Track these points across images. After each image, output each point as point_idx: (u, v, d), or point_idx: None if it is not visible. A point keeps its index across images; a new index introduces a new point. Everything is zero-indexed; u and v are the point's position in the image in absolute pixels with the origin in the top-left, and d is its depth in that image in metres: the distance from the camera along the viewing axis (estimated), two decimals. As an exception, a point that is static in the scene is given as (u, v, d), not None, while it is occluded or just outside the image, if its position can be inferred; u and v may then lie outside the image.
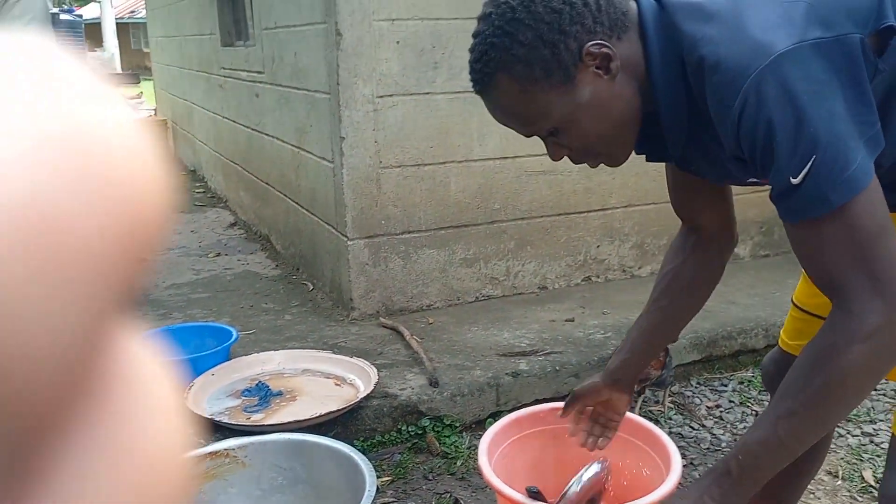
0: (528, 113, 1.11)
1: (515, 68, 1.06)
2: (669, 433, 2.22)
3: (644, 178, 3.43)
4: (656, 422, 2.45)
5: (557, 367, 2.62)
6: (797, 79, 0.95)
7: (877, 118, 0.98)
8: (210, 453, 1.69)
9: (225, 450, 1.70)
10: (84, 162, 0.14)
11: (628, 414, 1.87)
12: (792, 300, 1.56)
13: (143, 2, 10.96)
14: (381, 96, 2.95)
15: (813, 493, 2.13)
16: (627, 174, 3.39)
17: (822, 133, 0.94)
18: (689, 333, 2.74)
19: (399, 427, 2.39)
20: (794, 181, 0.96)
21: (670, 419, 2.56)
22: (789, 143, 0.96)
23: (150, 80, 9.16)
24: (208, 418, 2.25)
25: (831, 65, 0.95)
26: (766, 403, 2.63)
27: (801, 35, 0.96)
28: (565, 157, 1.18)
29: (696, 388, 2.73)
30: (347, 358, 2.62)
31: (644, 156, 1.25)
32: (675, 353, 2.54)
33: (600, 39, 1.05)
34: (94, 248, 0.14)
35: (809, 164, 0.94)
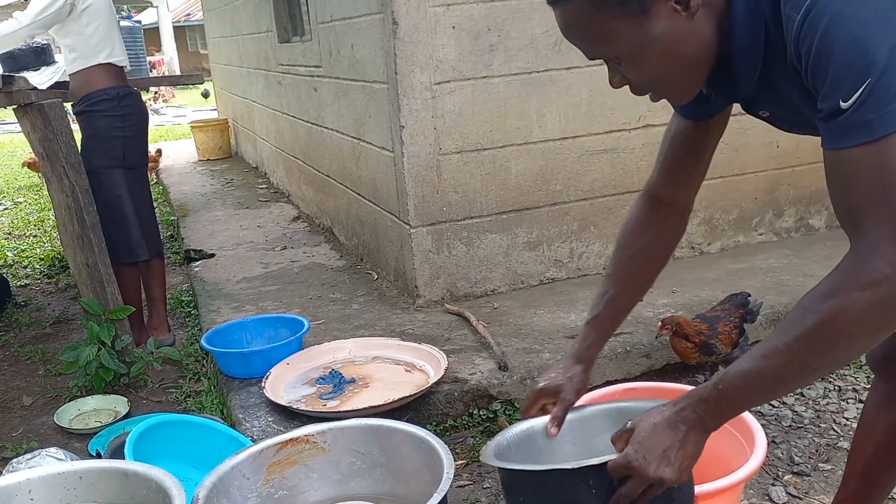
0: (595, 36, 1.05)
1: None
2: (750, 411, 2.17)
3: (709, 152, 3.34)
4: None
5: (628, 348, 2.59)
6: None
7: None
8: (291, 440, 1.73)
9: (305, 436, 1.73)
10: None
11: (684, 386, 1.84)
12: None
13: (199, 4, 11.19)
14: (439, 83, 2.94)
15: None
16: (692, 149, 3.31)
17: (880, 57, 0.87)
18: (765, 309, 2.67)
19: (470, 411, 2.40)
20: (844, 105, 0.90)
21: (747, 397, 2.51)
22: (844, 62, 0.89)
23: (209, 80, 9.35)
24: (286, 406, 2.30)
25: None
26: (849, 378, 2.55)
27: None
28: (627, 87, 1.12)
29: (772, 364, 2.66)
30: (416, 344, 2.64)
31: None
32: (752, 331, 2.48)
33: None
34: None
35: (862, 88, 0.88)
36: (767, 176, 3.49)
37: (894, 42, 0.87)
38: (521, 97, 3.04)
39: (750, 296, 2.53)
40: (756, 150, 3.43)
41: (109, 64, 3.06)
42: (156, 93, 18.22)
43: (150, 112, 4.70)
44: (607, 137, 3.21)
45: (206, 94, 17.96)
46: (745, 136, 3.38)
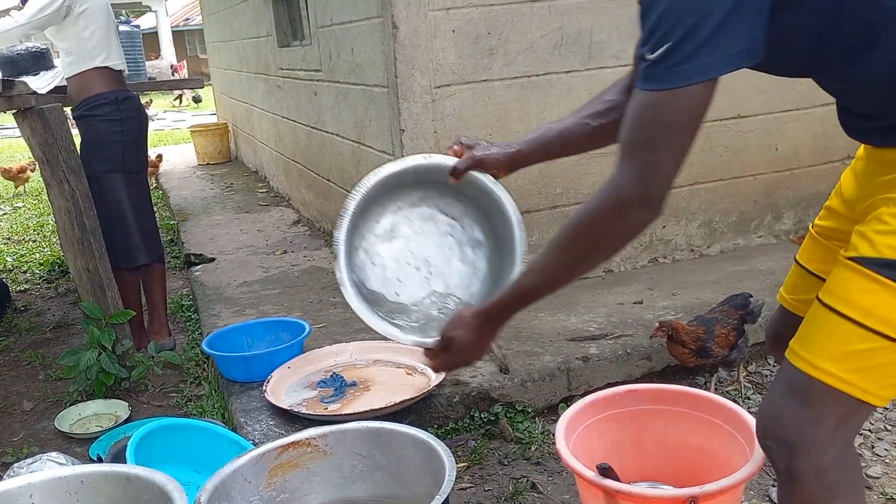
0: None
1: None
2: (749, 412, 2.18)
3: (710, 154, 3.35)
4: (734, 401, 2.40)
5: (629, 350, 2.59)
6: None
7: (761, 35, 1.03)
8: (292, 443, 1.73)
9: (306, 439, 1.74)
10: None
11: (707, 394, 1.84)
12: (795, 258, 1.56)
13: (198, 9, 11.21)
14: (439, 86, 2.95)
15: (903, 471, 2.06)
16: (692, 151, 3.31)
17: (685, 25, 1.00)
18: (765, 312, 2.67)
19: (472, 414, 2.40)
20: (649, 56, 1.04)
21: (748, 398, 2.51)
22: (658, 21, 1.03)
23: (209, 84, 9.36)
24: (287, 410, 2.30)
25: None
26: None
27: None
28: None
29: (773, 366, 2.67)
30: (417, 347, 2.63)
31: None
32: (752, 332, 2.49)
33: None
34: None
35: (664, 47, 1.02)
36: (766, 179, 3.50)
37: (699, 16, 0.99)
38: (520, 100, 3.05)
39: (751, 297, 2.53)
40: (755, 153, 3.43)
41: (107, 68, 3.05)
42: (179, 96, 18.05)
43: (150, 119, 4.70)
44: (607, 140, 3.21)
45: (197, 99, 17.93)
46: (745, 139, 3.38)
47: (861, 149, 1.29)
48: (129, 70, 3.30)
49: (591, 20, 3.04)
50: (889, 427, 2.28)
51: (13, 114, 2.98)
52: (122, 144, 3.06)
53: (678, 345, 2.37)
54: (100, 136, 3.03)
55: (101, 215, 2.95)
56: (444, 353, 1.42)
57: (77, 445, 2.55)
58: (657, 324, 2.39)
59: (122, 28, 6.08)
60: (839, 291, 1.14)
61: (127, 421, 2.63)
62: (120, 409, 2.71)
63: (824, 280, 1.22)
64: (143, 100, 14.23)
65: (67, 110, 3.21)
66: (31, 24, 2.98)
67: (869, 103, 1.17)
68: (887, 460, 2.12)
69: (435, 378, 2.41)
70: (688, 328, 2.38)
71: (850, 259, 1.13)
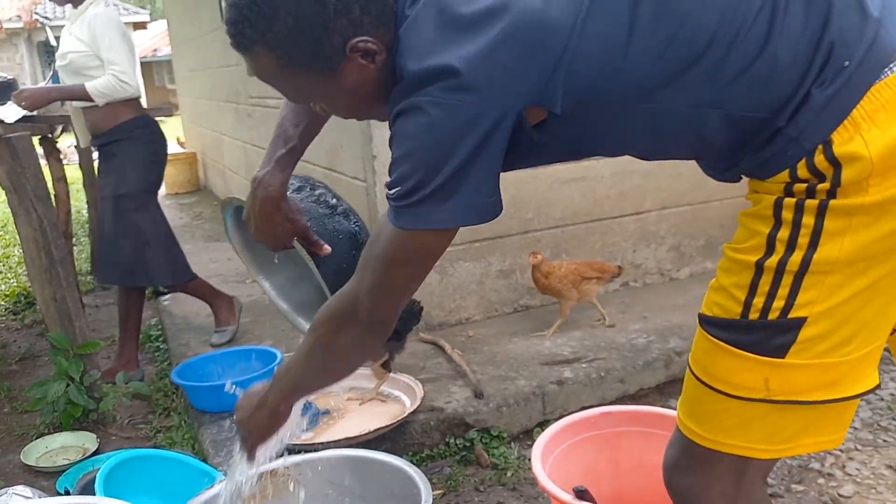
0: (286, 86, 1.14)
1: (275, 49, 1.06)
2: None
3: (678, 179, 3.41)
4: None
5: (602, 373, 2.60)
6: (421, 123, 1.01)
7: (495, 189, 1.07)
8: (264, 473, 1.70)
9: (279, 469, 1.72)
10: None
11: (660, 410, 1.86)
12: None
13: (166, 40, 11.19)
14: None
15: (874, 489, 2.09)
16: (661, 176, 3.38)
17: (416, 174, 1.01)
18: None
19: (447, 440, 2.39)
20: (388, 191, 1.05)
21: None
22: (397, 165, 1.04)
23: (178, 114, 9.33)
24: (259, 439, 2.27)
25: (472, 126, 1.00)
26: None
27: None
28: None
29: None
30: (392, 374, 2.62)
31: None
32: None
33: (366, 34, 1.06)
34: None
35: (397, 188, 1.03)
36: (731, 203, 3.56)
37: (430, 167, 1.01)
38: (491, 127, 3.08)
39: None
40: (722, 178, 3.49)
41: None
42: None
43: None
44: (577, 166, 3.26)
45: None
46: (711, 163, 3.45)
47: None
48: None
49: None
50: (860, 447, 2.31)
51: (-21, 142, 2.94)
52: (157, 165, 3.21)
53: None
54: (140, 157, 3.13)
55: (138, 236, 3.09)
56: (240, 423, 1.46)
57: (44, 479, 2.48)
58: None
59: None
60: (694, 352, 1.15)
61: (95, 453, 2.57)
62: (88, 441, 2.65)
63: None
64: None
65: (70, 139, 3.18)
66: (134, 63, 3.07)
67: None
68: (858, 479, 2.15)
69: (410, 405, 2.40)
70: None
71: (699, 316, 1.14)
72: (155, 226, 3.20)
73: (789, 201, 1.03)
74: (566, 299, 2.93)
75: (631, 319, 3.06)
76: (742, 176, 1.15)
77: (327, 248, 1.58)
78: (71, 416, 2.71)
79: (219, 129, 6.47)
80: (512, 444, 2.44)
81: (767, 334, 1.04)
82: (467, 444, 2.38)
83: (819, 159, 0.99)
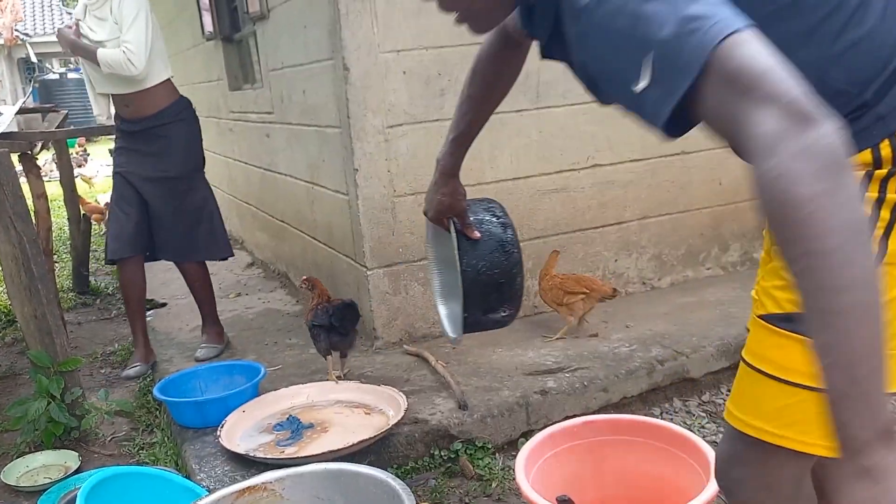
0: None
1: None
2: (705, 439, 2.21)
3: (658, 189, 3.45)
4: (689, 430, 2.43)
5: (585, 383, 2.61)
6: None
7: None
8: (248, 488, 1.70)
9: (263, 483, 1.71)
10: None
11: (663, 423, 1.87)
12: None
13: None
14: (391, 126, 2.99)
15: None
16: (640, 187, 3.41)
17: (650, 26, 0.82)
18: (715, 341, 2.74)
19: (431, 452, 2.39)
20: (637, 88, 0.84)
21: (703, 427, 2.55)
22: (611, 55, 0.88)
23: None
24: (243, 455, 2.26)
25: None
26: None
27: None
28: None
29: (727, 395, 2.72)
30: (376, 387, 2.62)
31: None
32: (703, 361, 2.54)
33: None
34: None
35: (645, 62, 0.83)
36: (712, 212, 3.60)
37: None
38: (472, 139, 3.10)
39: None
40: (700, 187, 3.54)
41: (169, 79, 3.24)
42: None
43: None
44: (558, 177, 3.28)
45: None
46: (689, 174, 3.49)
47: None
48: (80, 118, 3.30)
49: (537, 62, 3.10)
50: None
51: (-43, 160, 2.92)
52: (200, 143, 3.33)
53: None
54: (187, 139, 3.26)
55: (193, 214, 3.23)
56: None
57: (25, 499, 2.45)
58: (304, 277, 2.91)
59: (72, 76, 6.00)
60: (756, 349, 1.16)
61: (77, 471, 2.54)
62: (70, 459, 2.63)
63: None
64: (80, 148, 13.73)
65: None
66: (148, 48, 3.07)
67: None
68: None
69: (394, 417, 2.40)
70: (324, 289, 2.85)
71: (760, 318, 1.16)
72: (206, 202, 3.31)
73: (870, 196, 1.02)
74: (556, 310, 2.97)
75: (613, 329, 3.08)
76: None
77: (476, 234, 1.63)
78: (52, 434, 2.68)
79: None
80: (496, 454, 2.44)
81: None
82: (452, 456, 2.38)
83: None
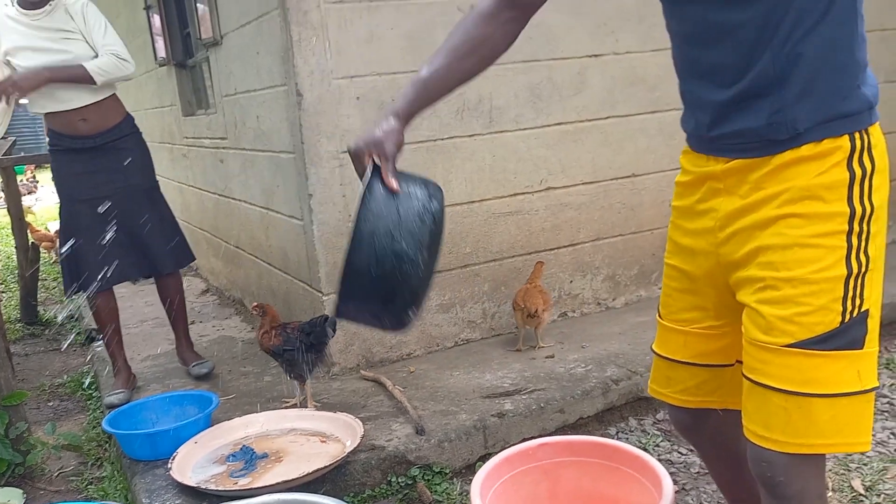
0: None
1: None
2: (658, 459, 2.23)
3: (609, 211, 3.50)
4: (644, 449, 2.45)
5: (542, 404, 2.62)
6: None
7: None
8: (200, 520, 1.67)
9: (215, 515, 1.68)
10: None
11: (617, 443, 1.89)
12: (655, 351, 1.71)
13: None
14: (346, 151, 2.98)
15: None
16: (593, 209, 3.46)
17: None
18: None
19: (388, 479, 2.37)
20: None
21: (658, 446, 2.57)
22: None
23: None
24: (195, 487, 2.21)
25: None
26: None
27: None
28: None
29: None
30: (332, 413, 2.60)
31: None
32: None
33: None
34: None
35: None
36: (661, 233, 3.66)
37: None
38: (426, 163, 3.11)
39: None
40: (649, 209, 3.60)
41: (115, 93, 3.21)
42: None
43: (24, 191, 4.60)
44: (512, 200, 3.32)
45: None
46: (640, 196, 3.55)
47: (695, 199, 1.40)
48: (29, 144, 3.22)
49: (490, 87, 3.16)
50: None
51: None
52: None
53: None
54: (146, 150, 3.29)
55: (160, 224, 3.20)
56: None
57: (-36, 541, 2.37)
58: (255, 304, 2.87)
59: (23, 101, 5.86)
60: (796, 377, 1.25)
61: (21, 510, 2.46)
62: (13, 497, 2.54)
63: (698, 365, 1.51)
64: (29, 174, 13.35)
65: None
66: (125, 49, 3.10)
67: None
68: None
69: (350, 444, 2.37)
70: (276, 314, 2.84)
71: (790, 346, 1.24)
72: (170, 211, 3.32)
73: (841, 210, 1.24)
74: (526, 320, 3.15)
75: (569, 349, 3.10)
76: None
77: (394, 184, 1.38)
78: (-5, 471, 2.59)
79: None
80: (454, 479, 2.43)
81: (855, 330, 1.24)
82: (409, 482, 2.36)
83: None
